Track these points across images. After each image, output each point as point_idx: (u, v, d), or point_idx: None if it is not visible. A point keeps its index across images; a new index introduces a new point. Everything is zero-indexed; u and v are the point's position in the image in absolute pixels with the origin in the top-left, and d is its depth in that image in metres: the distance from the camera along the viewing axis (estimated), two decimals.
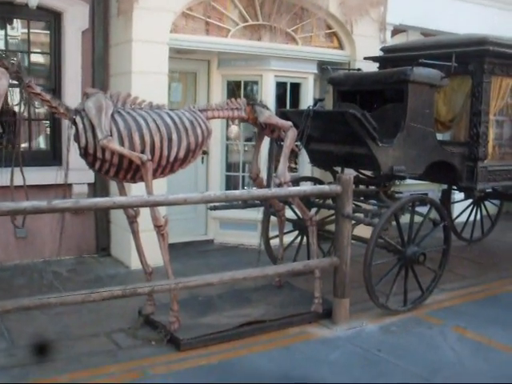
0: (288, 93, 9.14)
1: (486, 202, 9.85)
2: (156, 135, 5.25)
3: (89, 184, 8.02)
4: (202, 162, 9.02)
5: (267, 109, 6.07)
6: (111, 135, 5.03)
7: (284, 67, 8.95)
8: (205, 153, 8.94)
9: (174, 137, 5.36)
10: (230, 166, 9.30)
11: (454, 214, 9.81)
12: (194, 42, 8.12)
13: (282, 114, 6.91)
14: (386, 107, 6.71)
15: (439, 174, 7.18)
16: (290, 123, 6.06)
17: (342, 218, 5.73)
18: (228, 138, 9.19)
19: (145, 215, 5.53)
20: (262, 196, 5.54)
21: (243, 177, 9.19)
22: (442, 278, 6.74)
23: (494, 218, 10.04)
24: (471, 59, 6.87)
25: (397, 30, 10.36)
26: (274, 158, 6.48)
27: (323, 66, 7.40)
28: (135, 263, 6.92)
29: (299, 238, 7.40)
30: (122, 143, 5.11)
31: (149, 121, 5.27)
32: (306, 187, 6.40)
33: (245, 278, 5.44)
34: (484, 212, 9.88)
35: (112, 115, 5.13)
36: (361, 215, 6.35)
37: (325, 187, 5.91)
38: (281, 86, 9.12)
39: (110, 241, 8.38)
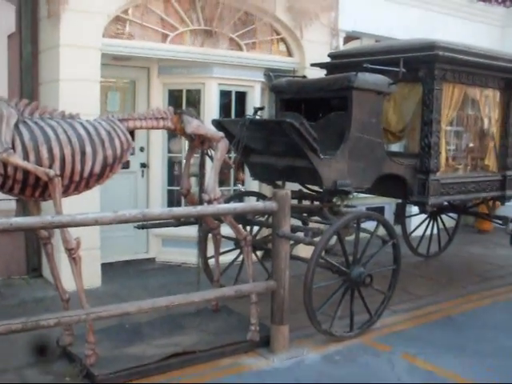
0: (233, 102, 8.63)
1: (444, 216, 9.43)
2: (67, 148, 4.68)
3: (17, 200, 7.38)
4: (143, 175, 8.46)
5: (196, 118, 5.53)
6: (13, 148, 4.45)
7: (228, 75, 8.45)
8: (144, 166, 8.42)
9: (88, 150, 4.80)
10: (172, 180, 8.74)
11: (412, 228, 9.39)
12: (129, 47, 7.56)
13: (218, 124, 6.42)
14: (329, 116, 6.24)
15: (390, 187, 6.73)
16: (220, 134, 5.55)
17: (277, 238, 5.22)
18: (170, 151, 8.63)
19: None
20: (185, 214, 5.00)
21: None
22: (394, 298, 6.32)
23: (451, 232, 9.63)
24: (421, 65, 6.44)
25: (350, 37, 9.97)
26: (204, 172, 5.96)
27: (265, 73, 6.89)
28: (66, 285, 6.31)
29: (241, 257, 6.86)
30: (26, 157, 4.53)
31: (59, 132, 4.71)
32: (238, 204, 5.84)
33: (167, 306, 4.88)
34: (441, 226, 9.45)
35: (16, 125, 4.55)
36: (301, 234, 5.83)
37: (258, 204, 5.41)
38: (226, 95, 8.62)
39: (41, 261, 7.75)
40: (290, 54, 9.00)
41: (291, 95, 6.75)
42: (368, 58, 6.81)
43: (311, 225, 6.51)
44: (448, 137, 6.94)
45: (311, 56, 8.55)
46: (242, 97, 8.72)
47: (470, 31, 11.06)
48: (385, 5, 10.16)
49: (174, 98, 8.60)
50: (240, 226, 5.84)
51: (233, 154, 6.77)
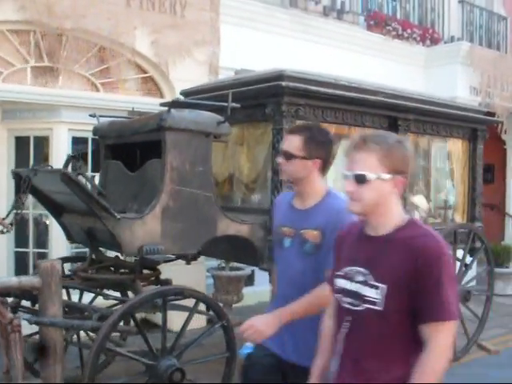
0: (90, 150, 7.37)
1: None
2: None
3: None
4: None
5: None
6: None
7: (81, 119, 7.16)
8: None
9: None
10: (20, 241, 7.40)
11: None
12: None
13: (16, 175, 5.15)
14: (146, 165, 4.98)
15: (239, 250, 5.43)
16: None
17: (43, 327, 3.89)
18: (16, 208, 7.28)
19: None
20: None
21: (34, 253, 7.30)
22: None
23: None
24: (268, 100, 5.22)
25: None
26: None
27: (90, 115, 5.67)
28: None
29: None
30: None
31: None
32: None
33: None
34: None
35: None
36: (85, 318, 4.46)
37: (11, 280, 4.05)
38: (82, 142, 7.35)
39: None
40: (160, 93, 7.80)
41: (113, 140, 5.49)
42: (215, 93, 5.64)
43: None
44: None
45: None
46: None
47: (392, 71, 10.28)
48: (285, 41, 9.13)
49: (22, 145, 7.33)
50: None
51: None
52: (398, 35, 10.78)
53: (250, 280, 8.66)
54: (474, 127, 7.24)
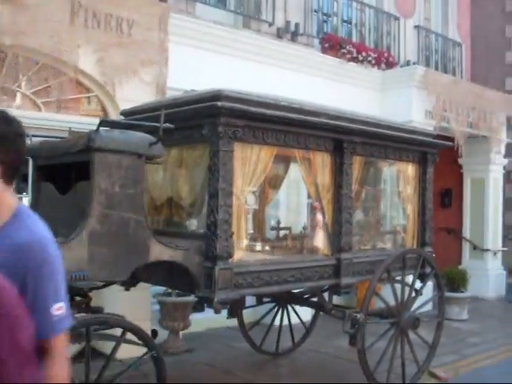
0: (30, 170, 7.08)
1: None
2: None
3: None
4: None
5: None
6: None
7: None
8: None
9: None
10: None
11: (256, 318, 7.88)
12: None
13: None
14: (76, 187, 4.78)
15: (175, 277, 5.23)
16: None
17: None
18: None
19: None
20: None
21: None
22: None
23: (309, 324, 8.10)
24: (205, 120, 5.05)
25: None
26: None
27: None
28: None
29: None
30: None
31: None
32: None
33: None
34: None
35: None
36: None
37: None
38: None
39: None
40: (106, 113, 7.59)
41: (44, 160, 5.26)
42: (153, 113, 5.45)
43: None
44: (258, 211, 5.49)
45: None
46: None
47: (347, 95, 10.21)
48: (237, 63, 9.01)
49: None
50: None
51: None
52: (352, 58, 10.72)
53: (200, 306, 8.38)
54: (423, 151, 7.16)
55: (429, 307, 8.21)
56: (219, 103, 4.84)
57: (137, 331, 4.44)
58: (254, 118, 5.17)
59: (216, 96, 4.99)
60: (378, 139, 6.45)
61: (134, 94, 7.44)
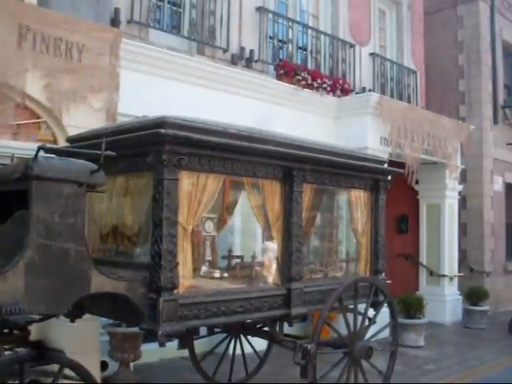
0: None
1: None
2: None
3: None
4: None
5: None
6: None
7: None
8: None
9: None
10: None
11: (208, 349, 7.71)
12: None
13: None
14: (15, 216, 4.62)
15: (121, 308, 5.07)
16: None
17: None
18: None
19: None
20: None
21: None
22: None
23: (263, 353, 7.96)
24: (149, 148, 4.94)
25: None
26: None
27: None
28: None
29: None
30: None
31: None
32: None
33: None
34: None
35: None
36: None
37: None
38: None
39: None
40: (55, 140, 7.42)
41: None
42: (97, 140, 5.31)
43: None
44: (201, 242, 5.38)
45: None
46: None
47: (302, 121, 10.31)
48: (191, 89, 8.96)
49: None
50: None
51: None
52: (308, 85, 10.76)
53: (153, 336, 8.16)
54: (375, 178, 7.15)
55: (386, 334, 8.17)
56: (163, 130, 4.74)
57: (74, 366, 4.27)
58: (200, 146, 5.09)
59: (160, 123, 4.90)
60: (329, 166, 6.41)
61: (82, 120, 7.28)
